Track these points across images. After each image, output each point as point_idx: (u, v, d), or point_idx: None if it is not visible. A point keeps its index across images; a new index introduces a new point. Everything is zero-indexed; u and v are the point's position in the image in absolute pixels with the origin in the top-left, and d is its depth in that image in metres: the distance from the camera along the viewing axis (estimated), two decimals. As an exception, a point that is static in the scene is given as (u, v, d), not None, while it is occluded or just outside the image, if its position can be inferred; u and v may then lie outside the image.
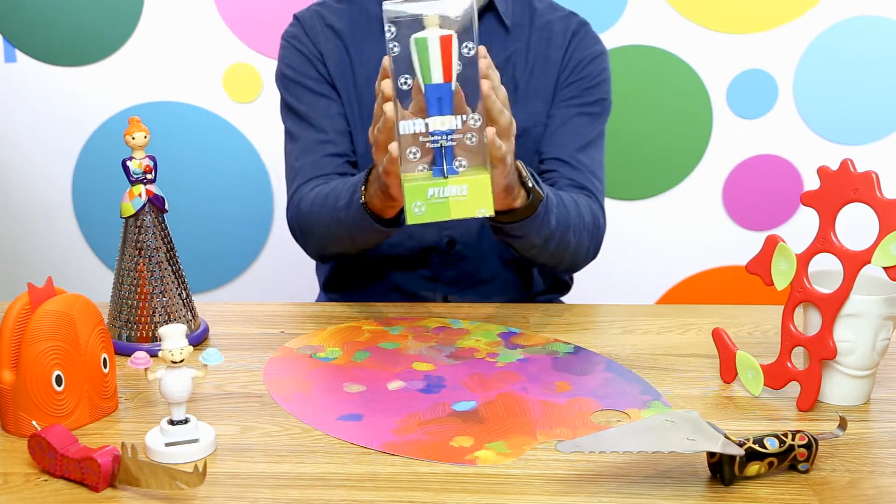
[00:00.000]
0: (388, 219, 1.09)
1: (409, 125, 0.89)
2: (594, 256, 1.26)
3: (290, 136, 1.31)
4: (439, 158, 0.90)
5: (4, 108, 2.11)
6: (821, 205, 0.86)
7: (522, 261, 1.30)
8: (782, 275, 0.90)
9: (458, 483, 0.74)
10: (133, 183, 0.99)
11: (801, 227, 2.07)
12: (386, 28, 0.89)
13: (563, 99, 1.29)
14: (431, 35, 0.87)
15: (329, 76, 1.28)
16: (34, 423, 0.79)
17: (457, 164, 0.91)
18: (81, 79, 2.08)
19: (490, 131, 0.91)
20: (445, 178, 0.90)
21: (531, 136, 1.28)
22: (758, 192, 2.11)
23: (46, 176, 2.15)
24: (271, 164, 2.11)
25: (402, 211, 1.03)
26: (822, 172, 0.86)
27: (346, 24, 1.29)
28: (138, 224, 1.00)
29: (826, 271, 0.90)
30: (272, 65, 2.00)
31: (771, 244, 0.91)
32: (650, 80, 2.05)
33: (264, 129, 2.07)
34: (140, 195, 0.99)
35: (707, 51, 2.03)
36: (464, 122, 0.90)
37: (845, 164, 0.84)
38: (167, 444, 0.77)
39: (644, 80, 2.03)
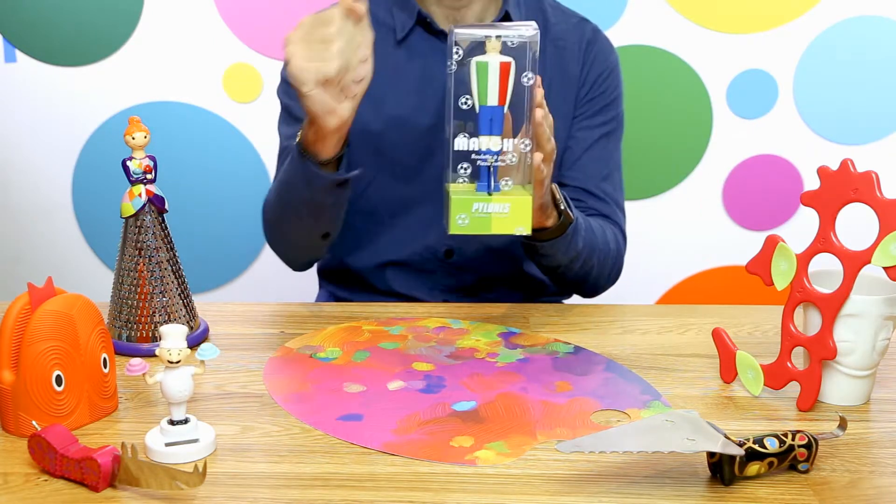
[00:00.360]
0: (326, 161, 1.08)
1: (464, 142, 0.96)
2: (614, 282, 1.29)
3: (281, 144, 1.30)
4: (485, 175, 0.96)
5: (4, 108, 2.11)
6: (821, 205, 0.86)
7: (528, 275, 1.31)
8: (782, 275, 0.90)
9: (458, 483, 0.74)
10: (133, 183, 0.99)
11: (801, 227, 2.07)
12: (454, 50, 0.95)
13: (585, 117, 1.28)
14: (492, 60, 0.94)
15: None
16: (34, 423, 0.79)
17: (503, 182, 0.97)
18: (81, 79, 2.08)
19: (537, 157, 0.96)
20: (490, 194, 0.96)
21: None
22: (758, 192, 2.11)
23: (46, 176, 2.15)
24: (271, 165, 2.11)
25: (341, 153, 1.09)
26: (822, 172, 0.86)
27: None
28: (138, 224, 1.00)
29: (826, 271, 0.90)
30: (272, 65, 2.00)
31: (771, 244, 0.91)
32: (650, 80, 2.04)
33: (264, 129, 2.07)
34: (140, 195, 0.99)
35: (707, 51, 2.03)
36: (514, 146, 0.96)
37: (845, 164, 0.84)
38: (167, 444, 0.77)
39: (644, 80, 2.03)
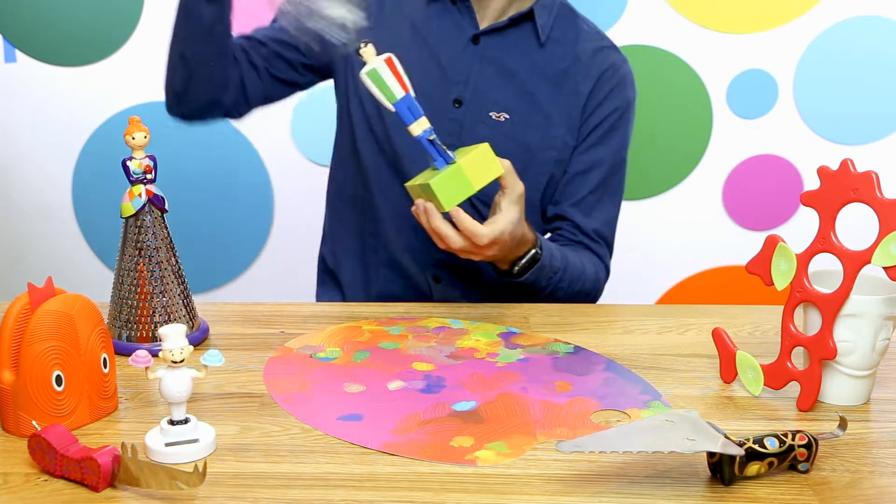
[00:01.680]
0: None
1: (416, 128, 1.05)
2: (593, 301, 1.31)
3: None
4: (435, 154, 1.05)
5: (4, 108, 2.11)
6: (821, 205, 0.86)
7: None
8: (782, 275, 0.90)
9: (458, 483, 0.74)
10: (133, 183, 0.99)
11: (801, 227, 2.07)
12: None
13: (591, 146, 1.28)
14: (378, 64, 1.03)
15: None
16: (34, 423, 0.79)
17: (451, 152, 1.06)
18: (81, 79, 2.08)
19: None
20: (455, 162, 1.04)
21: (544, 159, 1.28)
22: (758, 192, 2.12)
23: (46, 176, 2.15)
24: (271, 164, 2.11)
25: None
26: (822, 172, 0.86)
27: None
28: (138, 224, 1.00)
29: (826, 271, 0.90)
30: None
31: (771, 244, 0.91)
32: (650, 80, 2.05)
33: (264, 129, 2.07)
34: (140, 195, 0.99)
35: (707, 51, 2.03)
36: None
37: (845, 164, 0.84)
38: (167, 444, 0.77)
39: (644, 80, 2.02)
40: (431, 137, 1.04)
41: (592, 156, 1.29)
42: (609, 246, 1.33)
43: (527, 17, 1.26)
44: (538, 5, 1.26)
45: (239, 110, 1.32)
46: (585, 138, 1.29)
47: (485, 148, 1.04)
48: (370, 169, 1.29)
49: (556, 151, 1.28)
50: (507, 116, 1.26)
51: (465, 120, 1.25)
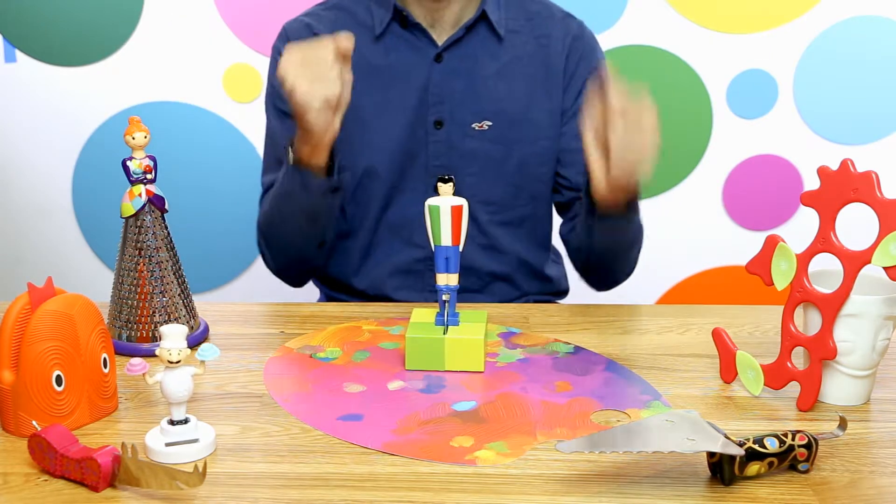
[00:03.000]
0: (320, 170, 1.15)
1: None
2: (629, 276, 1.31)
3: (268, 136, 1.33)
4: (442, 309, 0.99)
5: (4, 108, 2.11)
6: (821, 205, 0.86)
7: (514, 270, 1.32)
8: (782, 275, 0.89)
9: (458, 483, 0.74)
10: (133, 183, 0.99)
11: (801, 227, 2.07)
12: None
13: (574, 111, 1.28)
14: (444, 203, 0.97)
15: None
16: (34, 423, 0.79)
17: (457, 318, 1.00)
18: (81, 79, 2.08)
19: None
20: (445, 330, 0.98)
21: (538, 150, 1.28)
22: (758, 192, 2.11)
23: (46, 176, 2.15)
24: (271, 164, 2.11)
25: (331, 159, 1.15)
26: (822, 172, 0.86)
27: (332, 31, 1.28)
28: (138, 224, 1.00)
29: (826, 271, 0.90)
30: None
31: (771, 244, 0.91)
32: (650, 80, 2.03)
33: (264, 129, 2.07)
34: (140, 195, 0.99)
35: (707, 51, 2.03)
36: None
37: (845, 164, 0.84)
38: (167, 444, 0.77)
39: (644, 80, 2.03)
40: (446, 297, 0.99)
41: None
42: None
43: (480, 18, 1.25)
44: (487, 5, 1.25)
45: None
46: (571, 107, 1.29)
47: (478, 342, 0.96)
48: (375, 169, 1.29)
49: (549, 140, 1.29)
50: (490, 123, 1.26)
51: (451, 138, 1.26)
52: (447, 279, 0.99)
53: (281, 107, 1.27)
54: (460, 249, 0.99)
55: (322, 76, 1.05)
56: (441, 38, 1.26)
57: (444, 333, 0.97)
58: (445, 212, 0.97)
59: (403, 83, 1.25)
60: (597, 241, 1.20)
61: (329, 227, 1.24)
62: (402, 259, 1.29)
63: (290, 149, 1.15)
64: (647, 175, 1.06)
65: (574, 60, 1.28)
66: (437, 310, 1.02)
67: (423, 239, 1.27)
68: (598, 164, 1.06)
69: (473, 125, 1.26)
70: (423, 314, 1.03)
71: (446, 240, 0.98)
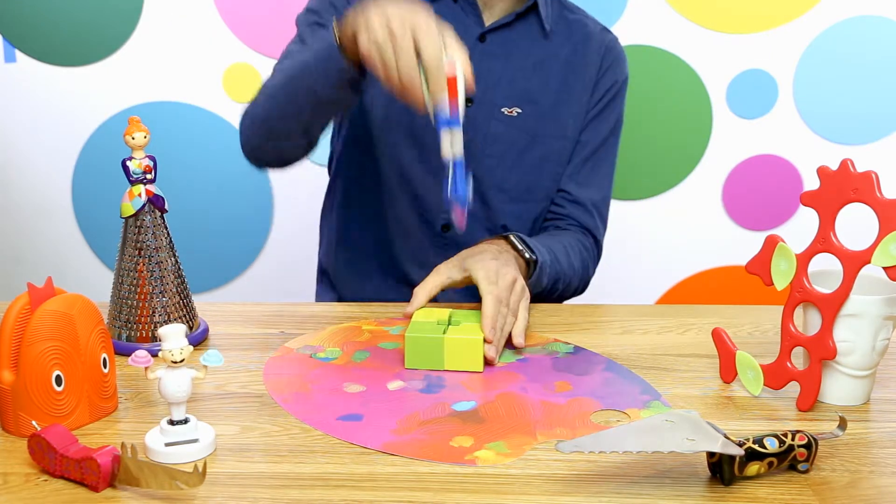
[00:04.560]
0: (356, 57, 1.04)
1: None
2: (580, 294, 1.33)
3: (299, 38, 1.26)
4: (456, 176, 0.95)
5: (4, 108, 2.11)
6: (821, 205, 0.86)
7: None
8: (782, 275, 0.90)
9: (458, 483, 0.74)
10: (133, 183, 0.99)
11: (801, 227, 2.07)
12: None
13: (589, 120, 1.32)
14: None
15: None
16: (34, 423, 0.79)
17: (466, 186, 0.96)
18: (81, 79, 2.08)
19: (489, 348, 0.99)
20: (446, 330, 0.98)
21: (558, 148, 1.30)
22: (758, 192, 2.11)
23: (46, 176, 2.15)
24: (271, 164, 2.11)
25: (362, 73, 1.05)
26: (822, 172, 0.86)
27: None
28: (138, 224, 1.00)
29: (826, 271, 0.90)
30: (272, 64, 2.00)
31: (771, 244, 0.91)
32: (650, 80, 2.05)
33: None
34: (140, 195, 0.99)
35: (707, 51, 2.03)
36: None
37: (845, 164, 0.84)
38: (167, 444, 0.77)
39: (644, 80, 2.03)
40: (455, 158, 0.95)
41: (590, 128, 1.32)
42: (603, 220, 1.35)
43: (531, 9, 1.27)
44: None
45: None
46: (586, 113, 1.32)
47: (477, 342, 0.96)
48: (386, 185, 1.29)
49: (571, 142, 1.31)
50: (520, 111, 1.27)
51: (478, 118, 1.26)
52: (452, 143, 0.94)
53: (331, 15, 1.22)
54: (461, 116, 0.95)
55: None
56: (489, 19, 1.27)
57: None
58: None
59: None
60: None
61: (324, 128, 1.19)
62: (413, 229, 1.30)
63: (335, 25, 1.06)
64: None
65: (603, 69, 1.32)
66: (440, 309, 1.02)
67: (432, 212, 1.28)
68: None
69: (503, 109, 1.27)
70: (425, 314, 1.03)
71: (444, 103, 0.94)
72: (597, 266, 1.35)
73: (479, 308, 1.09)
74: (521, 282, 1.08)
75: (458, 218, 0.98)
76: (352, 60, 1.04)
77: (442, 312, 1.03)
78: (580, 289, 1.32)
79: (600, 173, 1.34)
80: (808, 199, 0.87)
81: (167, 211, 1.02)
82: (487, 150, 1.27)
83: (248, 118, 1.23)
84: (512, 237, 1.17)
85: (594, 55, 1.31)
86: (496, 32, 1.27)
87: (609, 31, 1.35)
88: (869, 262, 0.83)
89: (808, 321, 0.90)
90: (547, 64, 1.28)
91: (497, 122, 1.27)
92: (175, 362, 0.77)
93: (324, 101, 1.12)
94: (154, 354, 0.84)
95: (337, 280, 1.39)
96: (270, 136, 1.21)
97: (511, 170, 1.28)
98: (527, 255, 1.16)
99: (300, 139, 1.19)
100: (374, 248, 1.33)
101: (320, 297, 1.43)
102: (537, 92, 1.28)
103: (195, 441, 0.78)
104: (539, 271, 1.17)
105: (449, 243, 1.29)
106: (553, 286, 1.23)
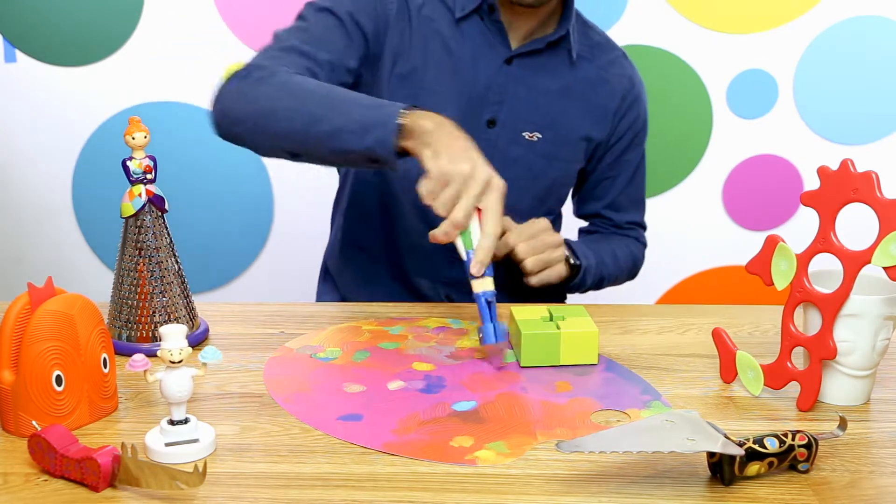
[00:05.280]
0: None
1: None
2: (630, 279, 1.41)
3: (301, 19, 1.22)
4: (486, 316, 0.98)
5: (4, 108, 2.11)
6: (821, 205, 0.86)
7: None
8: (782, 275, 0.90)
9: (458, 483, 0.74)
10: (133, 183, 0.99)
11: (801, 227, 2.07)
12: None
13: (620, 151, 1.35)
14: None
15: (377, 31, 1.22)
16: (34, 423, 0.79)
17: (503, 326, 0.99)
18: (81, 79, 2.08)
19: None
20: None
21: (572, 172, 1.33)
22: (758, 192, 2.11)
23: (46, 176, 2.15)
24: (271, 164, 2.11)
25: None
26: (822, 172, 0.86)
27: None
28: (138, 224, 1.00)
29: (826, 271, 0.90)
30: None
31: (771, 244, 0.91)
32: (650, 80, 2.03)
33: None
34: (140, 195, 0.99)
35: (707, 51, 2.03)
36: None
37: (845, 164, 0.84)
38: (167, 444, 0.77)
39: (644, 79, 2.03)
40: (491, 300, 0.98)
41: (621, 161, 1.35)
42: (643, 226, 1.43)
43: (563, 36, 1.26)
44: (569, 23, 1.25)
45: None
46: (613, 146, 1.34)
47: (594, 334, 0.98)
48: (393, 192, 1.29)
49: (579, 164, 1.33)
50: (540, 136, 1.27)
51: (499, 140, 1.26)
52: (482, 285, 0.98)
53: (357, 15, 1.20)
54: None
55: None
56: (515, 42, 1.26)
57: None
58: (475, 226, 0.99)
59: (469, 74, 1.24)
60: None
61: (323, 164, 1.15)
62: (424, 242, 1.29)
63: (402, 118, 1.00)
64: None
65: (627, 103, 1.32)
66: (537, 307, 1.04)
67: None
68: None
69: (524, 133, 1.26)
70: (525, 311, 1.03)
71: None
72: (644, 259, 1.44)
73: (571, 304, 1.11)
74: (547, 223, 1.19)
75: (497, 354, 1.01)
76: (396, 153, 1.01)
77: (541, 309, 1.03)
78: (629, 280, 1.40)
79: (636, 195, 1.40)
80: (808, 199, 0.87)
81: (167, 211, 1.02)
82: (504, 173, 1.25)
83: (231, 102, 1.13)
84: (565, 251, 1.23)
85: (616, 81, 1.31)
86: (523, 58, 1.25)
87: (626, 57, 1.35)
88: (869, 262, 0.83)
89: (808, 321, 0.90)
90: (571, 89, 1.28)
91: (517, 146, 1.27)
92: (174, 362, 0.77)
93: (334, 158, 1.08)
94: (153, 354, 0.84)
95: (341, 283, 1.39)
96: (260, 126, 1.11)
97: (523, 193, 1.27)
98: (572, 261, 1.23)
99: (285, 155, 1.12)
100: (383, 257, 1.33)
101: (321, 298, 1.43)
102: (559, 117, 1.27)
103: (195, 441, 0.78)
104: (583, 274, 1.25)
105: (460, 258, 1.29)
106: (598, 284, 1.31)
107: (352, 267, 1.37)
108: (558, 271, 1.20)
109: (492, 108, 1.25)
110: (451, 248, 1.24)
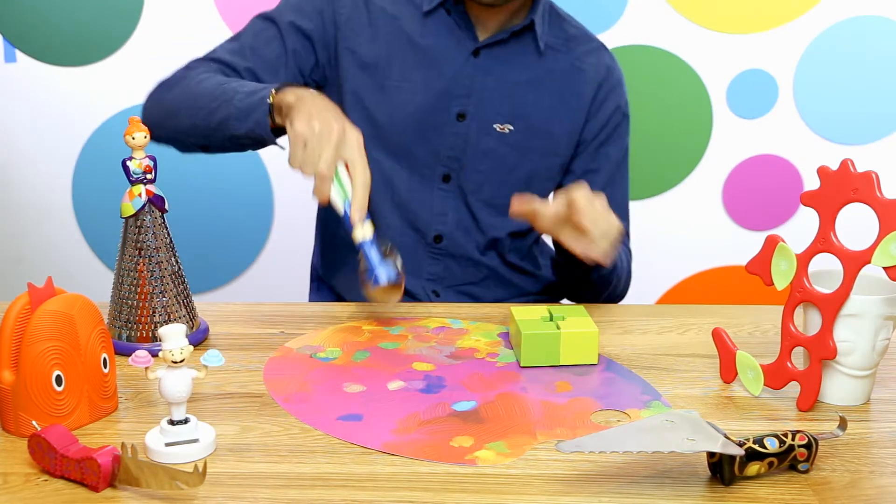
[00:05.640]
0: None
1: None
2: (623, 296, 1.34)
3: (242, 31, 1.32)
4: (373, 261, 1.03)
5: (4, 108, 2.11)
6: (821, 205, 0.86)
7: (511, 268, 1.34)
8: (782, 275, 0.90)
9: (458, 483, 0.74)
10: (133, 183, 0.99)
11: (801, 227, 2.07)
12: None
13: (599, 145, 1.31)
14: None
15: (326, 39, 1.26)
16: (34, 423, 0.79)
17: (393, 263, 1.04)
18: (81, 79, 2.08)
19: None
20: (556, 326, 0.99)
21: (548, 165, 1.30)
22: (758, 192, 2.11)
23: (46, 176, 2.15)
24: (271, 164, 2.11)
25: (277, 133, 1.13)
26: (822, 172, 0.86)
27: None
28: (138, 224, 1.00)
29: (826, 271, 0.90)
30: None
31: (771, 244, 0.91)
32: (650, 80, 2.05)
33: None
34: (140, 195, 0.99)
35: (707, 51, 2.03)
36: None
37: (845, 164, 0.84)
38: (167, 444, 0.77)
39: (644, 80, 2.03)
40: (373, 243, 1.03)
41: (600, 154, 1.32)
42: (628, 234, 1.37)
43: (527, 27, 1.26)
44: (535, 16, 1.25)
45: None
46: (592, 139, 1.31)
47: (594, 334, 0.98)
48: (372, 190, 1.29)
49: (560, 158, 1.30)
50: (512, 128, 1.26)
51: (469, 133, 1.25)
52: (363, 233, 1.02)
53: (298, 21, 1.26)
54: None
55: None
56: (483, 34, 1.26)
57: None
58: (344, 173, 1.03)
59: (435, 68, 1.24)
60: (586, 290, 1.28)
61: (225, 150, 1.23)
62: (405, 238, 1.29)
63: (272, 98, 1.10)
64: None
65: (604, 91, 1.30)
66: (536, 307, 1.03)
67: (424, 223, 1.28)
68: (582, 250, 1.09)
69: (496, 126, 1.26)
70: (525, 311, 1.03)
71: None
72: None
73: (573, 304, 1.10)
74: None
75: (386, 292, 1.03)
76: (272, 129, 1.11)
77: (541, 309, 1.03)
78: (626, 290, 1.33)
79: (618, 194, 1.33)
80: (808, 199, 0.87)
81: (167, 211, 1.02)
82: (477, 166, 1.26)
83: (149, 109, 1.25)
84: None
85: (591, 70, 1.29)
86: (490, 48, 1.25)
87: (605, 48, 1.33)
88: (869, 262, 0.83)
89: (808, 321, 0.90)
90: (542, 80, 1.27)
91: (488, 139, 1.26)
92: (175, 362, 0.77)
93: (232, 137, 1.16)
94: (154, 354, 0.84)
95: (338, 283, 1.39)
96: (171, 125, 1.22)
97: (500, 185, 1.27)
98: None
99: (197, 149, 1.24)
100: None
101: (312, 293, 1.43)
102: (530, 108, 1.26)
103: (195, 441, 0.78)
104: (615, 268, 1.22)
105: (444, 254, 1.29)
106: (606, 284, 1.26)
107: (347, 267, 1.37)
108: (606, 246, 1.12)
109: (460, 100, 1.25)
110: (433, 245, 1.24)
